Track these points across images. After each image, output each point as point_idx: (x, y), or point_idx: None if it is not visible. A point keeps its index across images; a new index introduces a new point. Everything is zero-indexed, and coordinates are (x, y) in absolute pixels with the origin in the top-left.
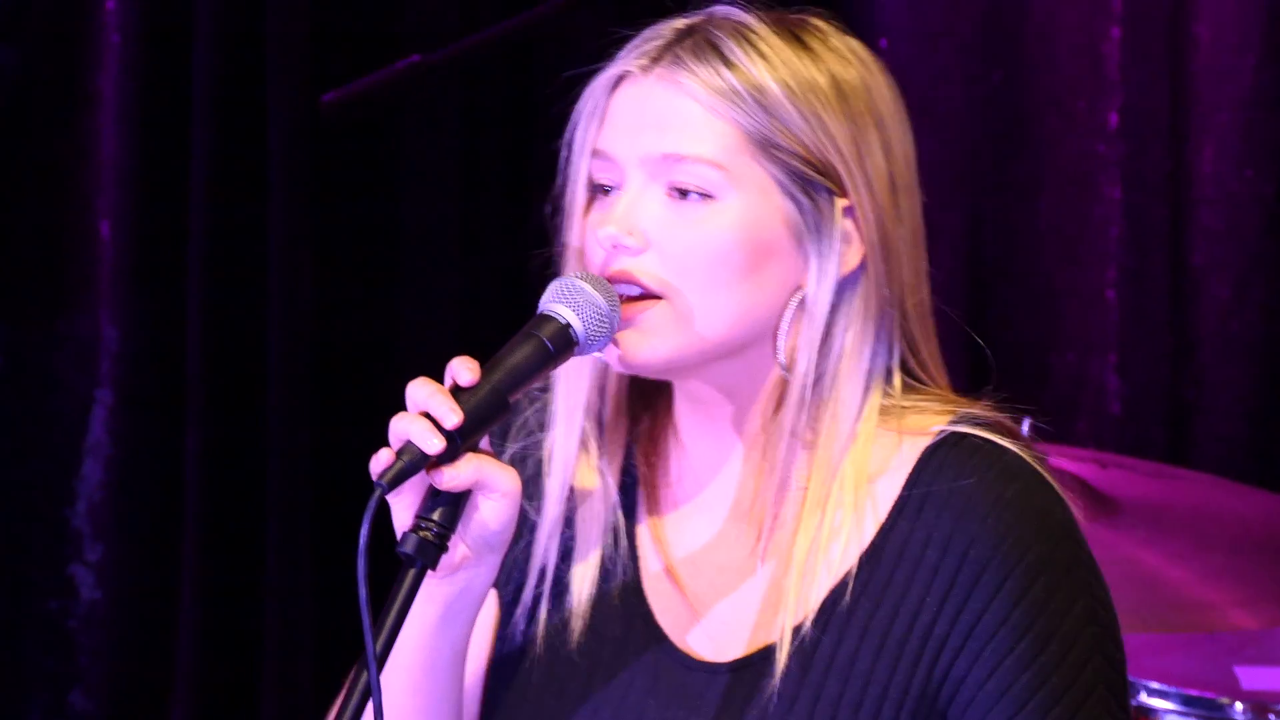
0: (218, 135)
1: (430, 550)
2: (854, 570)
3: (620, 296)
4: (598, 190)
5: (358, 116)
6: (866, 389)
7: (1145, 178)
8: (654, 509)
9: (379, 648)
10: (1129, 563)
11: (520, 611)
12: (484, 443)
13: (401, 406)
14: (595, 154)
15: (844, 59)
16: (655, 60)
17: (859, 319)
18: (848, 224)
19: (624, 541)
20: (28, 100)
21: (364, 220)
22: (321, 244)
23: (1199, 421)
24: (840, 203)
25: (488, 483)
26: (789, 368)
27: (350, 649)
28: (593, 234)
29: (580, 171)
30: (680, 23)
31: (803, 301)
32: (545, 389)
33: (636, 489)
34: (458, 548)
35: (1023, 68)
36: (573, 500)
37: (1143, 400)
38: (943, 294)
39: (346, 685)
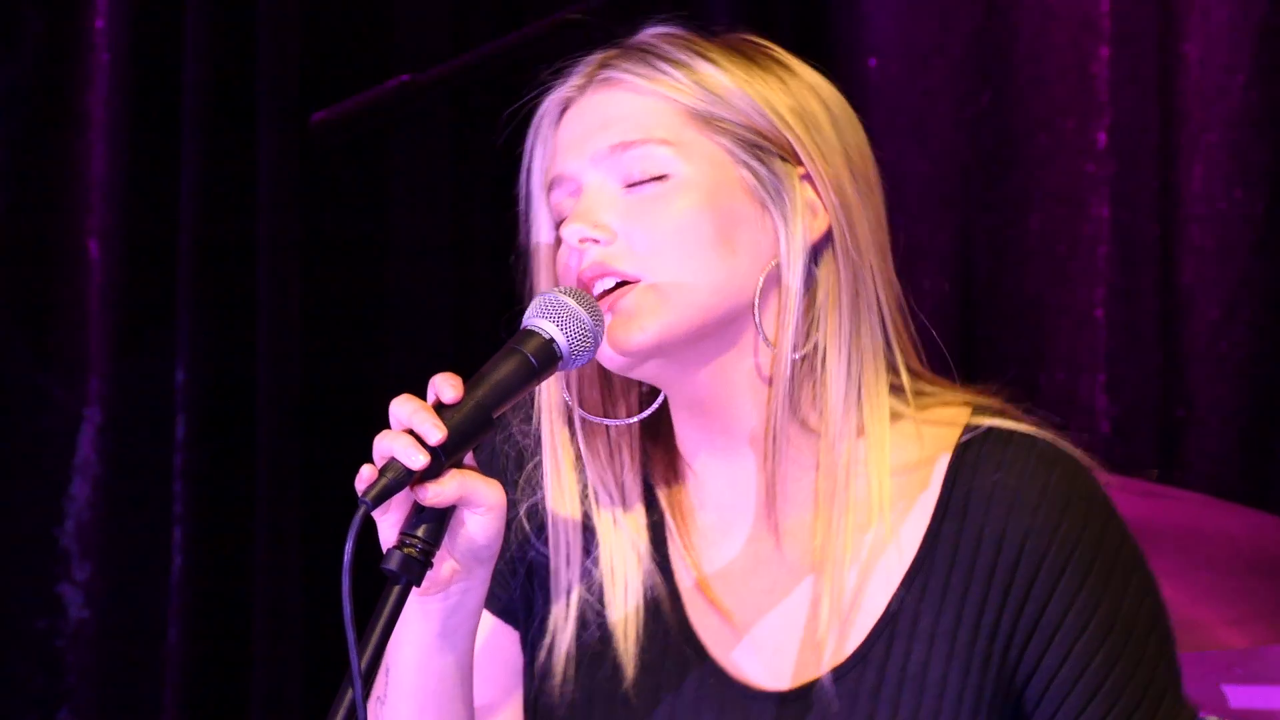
0: (207, 154)
1: (415, 566)
2: (908, 578)
3: (599, 293)
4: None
5: (347, 136)
6: (858, 366)
7: (1134, 197)
8: (685, 538)
9: (364, 665)
10: None
11: (559, 656)
12: (468, 458)
13: (389, 425)
14: (554, 184)
15: (788, 66)
16: (590, 78)
17: (834, 287)
18: (808, 191)
19: (660, 576)
20: (17, 119)
21: (353, 239)
22: (311, 263)
23: (1188, 440)
24: (797, 170)
25: (472, 498)
26: (774, 341)
27: (339, 667)
28: (563, 245)
29: (542, 211)
30: (613, 48)
31: (777, 270)
32: (528, 417)
33: (663, 521)
34: (445, 563)
35: (1012, 87)
36: (598, 541)
37: (1132, 419)
38: (932, 313)
39: (335, 702)
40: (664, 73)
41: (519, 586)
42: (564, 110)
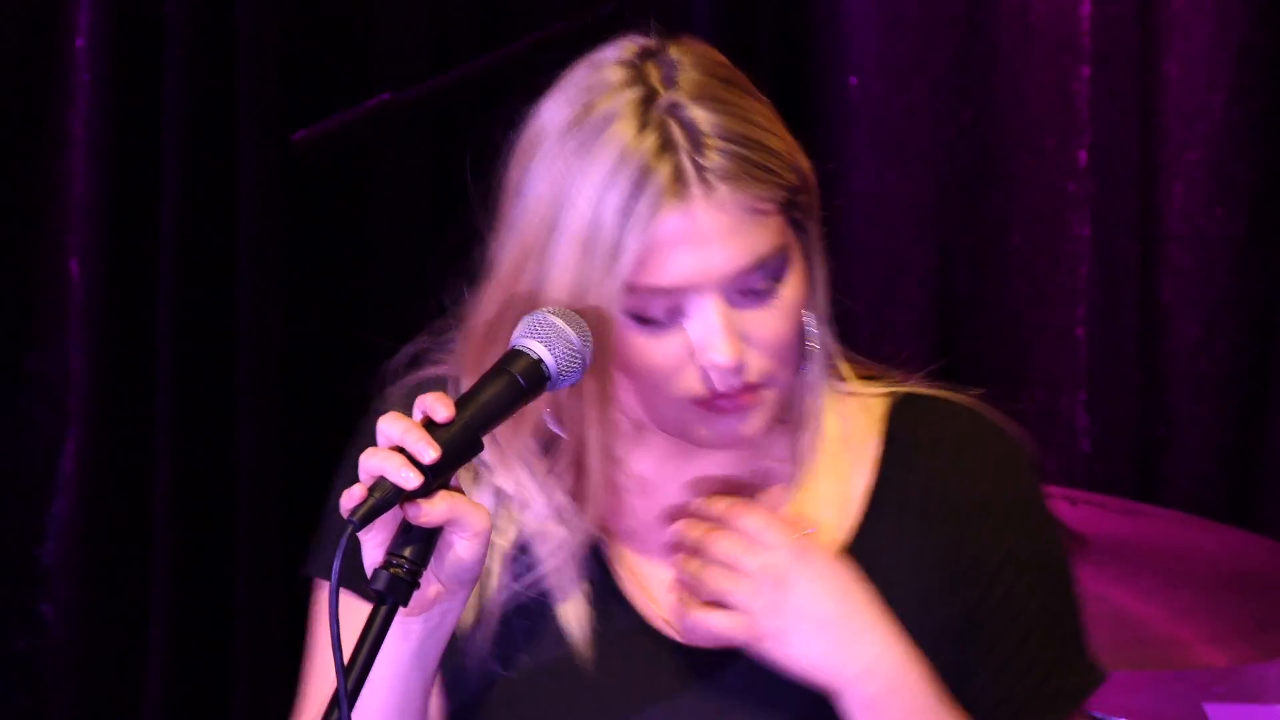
0: (188, 173)
1: (402, 587)
2: (860, 528)
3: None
4: (641, 320)
5: (328, 155)
6: (824, 372)
7: (1115, 215)
8: (617, 534)
9: (350, 685)
10: (1098, 600)
11: (486, 613)
12: (454, 479)
13: (372, 443)
14: (652, 290)
15: (734, 69)
16: (684, 180)
17: (810, 299)
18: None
19: (599, 568)
20: None
21: (335, 259)
22: (292, 282)
23: (1168, 459)
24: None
25: (460, 520)
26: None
27: None
28: (691, 360)
29: (611, 285)
30: (684, 133)
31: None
32: None
33: (585, 481)
34: (430, 584)
35: (993, 106)
36: (532, 542)
37: (1112, 437)
38: (912, 330)
39: None
40: (762, 170)
41: None
42: (661, 197)
